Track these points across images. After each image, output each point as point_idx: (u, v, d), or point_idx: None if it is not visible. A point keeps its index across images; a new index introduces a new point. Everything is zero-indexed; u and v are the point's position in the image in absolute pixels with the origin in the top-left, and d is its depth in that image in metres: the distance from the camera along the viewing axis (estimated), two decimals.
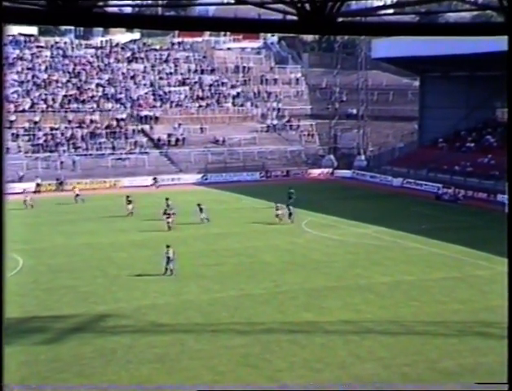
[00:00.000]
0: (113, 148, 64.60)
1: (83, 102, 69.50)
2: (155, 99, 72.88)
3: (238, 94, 76.49)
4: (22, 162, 59.77)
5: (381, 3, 64.42)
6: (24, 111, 66.35)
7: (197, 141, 68.55)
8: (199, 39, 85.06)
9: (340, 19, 7.28)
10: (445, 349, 21.79)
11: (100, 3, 6.24)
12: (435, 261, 33.29)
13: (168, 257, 30.06)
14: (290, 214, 42.17)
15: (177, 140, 67.98)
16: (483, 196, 51.57)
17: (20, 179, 57.36)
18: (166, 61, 79.35)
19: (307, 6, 6.96)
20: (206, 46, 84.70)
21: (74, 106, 68.75)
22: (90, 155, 63.64)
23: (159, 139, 67.73)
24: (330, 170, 67.02)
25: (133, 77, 75.10)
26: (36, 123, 65.36)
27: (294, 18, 6.83)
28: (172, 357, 20.98)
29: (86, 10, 6.18)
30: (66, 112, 67.71)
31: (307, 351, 21.54)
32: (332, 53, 76.01)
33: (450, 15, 67.33)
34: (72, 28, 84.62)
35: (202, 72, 78.98)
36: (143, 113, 70.30)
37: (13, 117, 64.68)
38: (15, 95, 68.04)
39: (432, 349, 21.72)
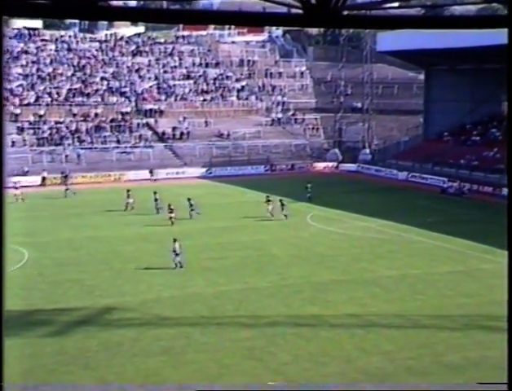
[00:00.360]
0: (118, 142, 64.64)
1: (88, 95, 69.51)
2: (159, 93, 72.84)
3: (243, 87, 76.40)
4: (27, 155, 59.89)
5: None
6: (28, 104, 66.40)
7: (202, 134, 68.53)
8: (203, 33, 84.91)
9: (345, 13, 7.24)
10: (450, 342, 21.79)
11: None
12: (440, 254, 33.26)
13: (175, 251, 30.08)
14: (283, 207, 40.83)
15: (181, 134, 67.99)
16: (488, 190, 51.44)
17: (26, 173, 57.52)
18: (171, 54, 79.26)
19: None
20: (211, 39, 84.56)
21: (79, 99, 68.77)
22: (95, 148, 63.69)
23: (163, 133, 67.74)
24: (335, 164, 66.94)
25: (137, 71, 75.05)
26: (41, 116, 65.40)
27: (299, 11, 6.80)
28: (178, 350, 21.04)
29: (91, 4, 6.17)
30: (71, 105, 67.74)
31: (312, 344, 21.56)
32: (337, 46, 75.82)
33: (456, 8, 67.01)
34: (77, 21, 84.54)
35: (207, 65, 78.89)
36: (148, 107, 70.29)
37: (18, 111, 64.78)
38: (20, 89, 68.10)
39: (437, 342, 21.72)
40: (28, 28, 76.53)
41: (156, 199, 43.76)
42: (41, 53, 74.10)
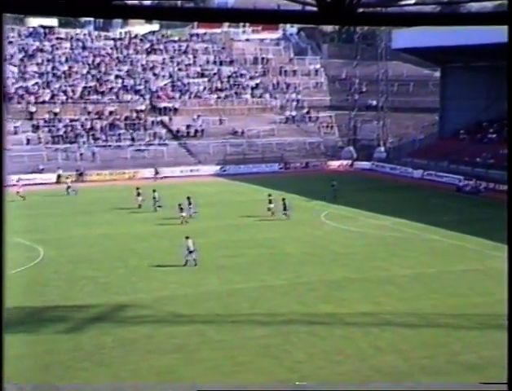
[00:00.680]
0: (132, 139, 64.86)
1: (102, 93, 69.79)
2: (174, 91, 72.97)
3: (257, 85, 76.34)
4: (42, 153, 60.28)
5: None
6: (44, 102, 66.78)
7: (216, 132, 68.57)
8: (218, 30, 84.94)
9: (360, 10, 7.18)
10: (466, 341, 21.64)
11: None
12: (456, 253, 33.05)
13: (188, 249, 30.11)
14: (285, 207, 40.15)
15: (196, 131, 68.08)
16: (504, 188, 50.94)
17: (41, 171, 57.88)
18: (185, 52, 79.36)
19: None
20: (225, 37, 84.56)
21: (94, 97, 69.06)
22: (110, 146, 63.94)
23: (178, 131, 67.87)
24: (349, 162, 66.71)
25: (152, 69, 75.23)
26: (56, 114, 65.76)
27: (314, 9, 6.75)
28: (192, 347, 21.06)
29: (106, 2, 6.15)
30: (86, 103, 68.04)
31: (327, 343, 21.51)
32: (351, 44, 75.53)
33: (472, 4, 66.45)
34: (92, 19, 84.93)
35: (221, 63, 78.91)
36: (162, 105, 70.44)
37: (33, 109, 65.21)
38: (36, 87, 68.51)
39: (453, 341, 21.59)
40: (44, 27, 77.01)
41: (154, 198, 43.65)
42: (57, 51, 74.49)
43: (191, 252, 30.07)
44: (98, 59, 74.55)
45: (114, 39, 79.53)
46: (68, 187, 50.84)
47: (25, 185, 50.64)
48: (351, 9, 6.98)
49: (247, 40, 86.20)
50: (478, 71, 63.31)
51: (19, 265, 30.40)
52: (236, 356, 20.33)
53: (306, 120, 73.38)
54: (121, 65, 74.77)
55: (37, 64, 71.68)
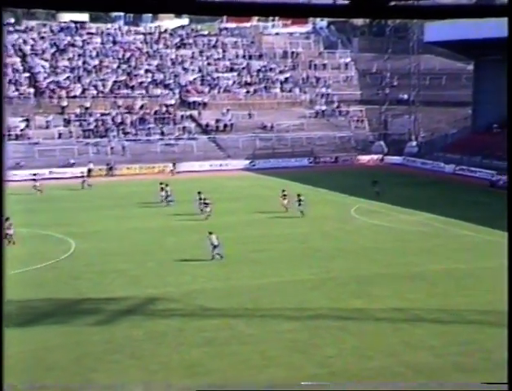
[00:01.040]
0: (162, 134, 65.14)
1: (132, 88, 70.19)
2: (203, 85, 73.08)
3: (286, 79, 76.06)
4: (73, 147, 60.87)
5: None
6: (75, 97, 67.39)
7: (245, 127, 68.51)
8: (247, 24, 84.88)
9: (392, 3, 7.00)
10: (500, 339, 21.22)
11: None
12: (488, 249, 32.51)
13: (212, 244, 30.08)
14: (299, 203, 39.27)
15: (225, 126, 68.11)
16: None
17: (72, 165, 58.47)
18: (214, 47, 79.41)
19: None
20: (254, 31, 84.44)
21: (124, 91, 69.51)
22: (140, 140, 64.31)
23: (207, 125, 67.97)
24: (380, 156, 66.12)
25: (181, 63, 75.44)
26: (87, 109, 66.32)
27: (345, 2, 6.60)
28: (221, 341, 21.06)
29: None
30: (116, 97, 68.51)
31: (357, 338, 21.33)
32: (383, 37, 74.72)
33: None
34: (122, 14, 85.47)
35: (250, 57, 78.78)
36: (192, 99, 70.61)
37: (65, 103, 65.86)
38: (67, 81, 69.17)
39: (486, 338, 21.21)
40: (75, 22, 77.68)
41: (166, 192, 43.65)
42: (88, 46, 75.11)
43: (215, 246, 30.03)
44: (128, 54, 74.99)
45: (144, 34, 79.92)
46: (84, 181, 51.16)
47: (56, 178, 51.28)
48: (383, 2, 6.82)
49: (277, 34, 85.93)
50: None
51: (51, 258, 30.76)
52: (265, 350, 20.26)
53: (336, 115, 72.91)
54: (150, 59, 75.12)
55: (69, 59, 72.36)
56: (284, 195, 41.12)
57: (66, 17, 78.42)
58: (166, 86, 71.65)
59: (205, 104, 70.45)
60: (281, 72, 77.25)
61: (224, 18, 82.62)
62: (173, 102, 69.39)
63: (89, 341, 21.06)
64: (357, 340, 21.12)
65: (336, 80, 78.26)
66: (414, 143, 67.43)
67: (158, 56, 75.90)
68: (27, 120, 63.21)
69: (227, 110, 69.65)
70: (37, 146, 60.34)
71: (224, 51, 78.67)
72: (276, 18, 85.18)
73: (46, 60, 71.46)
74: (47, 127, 63.41)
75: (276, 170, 59.26)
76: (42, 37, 74.98)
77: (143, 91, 70.12)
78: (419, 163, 62.65)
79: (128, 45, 76.73)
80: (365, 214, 40.66)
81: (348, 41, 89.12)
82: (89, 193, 49.89)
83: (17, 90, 66.59)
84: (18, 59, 70.79)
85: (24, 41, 73.56)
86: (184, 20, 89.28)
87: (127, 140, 63.55)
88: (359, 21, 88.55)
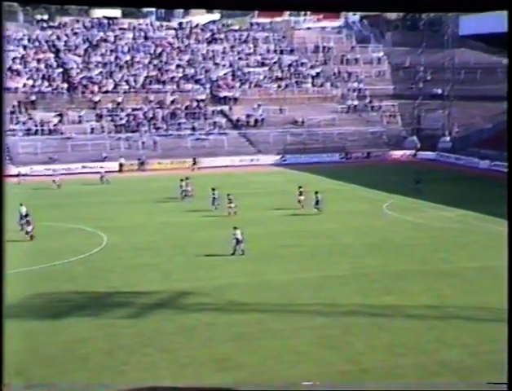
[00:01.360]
0: (193, 129, 65.28)
1: (164, 83, 70.48)
2: (234, 80, 73.04)
3: (318, 74, 75.59)
4: (105, 142, 61.35)
5: None
6: (107, 92, 67.94)
7: (276, 122, 68.29)
8: (278, 19, 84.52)
9: None
10: None
11: None
12: None
13: (237, 239, 29.92)
14: (317, 201, 38.78)
15: (256, 121, 67.97)
16: None
17: (104, 159, 58.95)
18: (246, 41, 79.29)
19: None
20: (286, 25, 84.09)
21: (155, 87, 69.84)
22: (171, 135, 64.56)
23: (238, 120, 67.91)
24: (413, 152, 65.37)
25: (212, 58, 75.49)
26: (118, 104, 66.80)
27: None
28: (251, 336, 20.93)
29: None
30: (147, 92, 68.88)
31: (389, 335, 21.00)
32: (416, 31, 73.81)
33: None
34: (154, 10, 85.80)
35: (281, 52, 78.49)
36: (223, 94, 70.61)
37: (97, 98, 66.42)
38: (99, 77, 69.73)
39: None
40: (108, 18, 78.26)
41: (181, 187, 43.57)
42: (120, 41, 75.63)
43: (238, 241, 29.88)
44: (159, 49, 75.31)
45: (175, 29, 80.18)
46: (102, 177, 51.42)
47: (87, 173, 51.79)
48: None
49: (308, 28, 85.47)
50: None
51: (83, 252, 31.00)
52: (295, 346, 20.08)
53: (368, 110, 72.27)
54: (182, 55, 75.33)
55: (101, 55, 72.94)
56: (301, 192, 40.66)
57: (99, 13, 79.05)
58: (197, 81, 71.77)
59: (235, 99, 70.40)
60: (313, 66, 76.81)
61: (255, 13, 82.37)
62: (204, 97, 69.48)
63: (120, 334, 21.13)
64: (389, 337, 20.80)
65: (368, 74, 77.56)
66: (448, 138, 66.47)
67: (189, 51, 76.07)
68: (60, 115, 63.90)
69: (258, 105, 69.50)
70: (70, 140, 60.94)
71: (255, 46, 78.50)
72: (308, 12, 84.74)
73: (79, 56, 72.13)
74: (80, 122, 64.04)
75: (307, 166, 58.94)
76: (75, 33, 75.71)
77: (175, 86, 70.36)
78: (453, 158, 61.75)
79: (159, 40, 77.06)
80: (398, 210, 40.16)
81: (381, 35, 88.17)
82: (118, 188, 50.20)
83: (50, 85, 67.35)
84: (52, 55, 71.59)
85: (58, 37, 74.35)
86: (215, 15, 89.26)
87: (158, 135, 63.84)
88: (392, 15, 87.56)
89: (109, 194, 47.36)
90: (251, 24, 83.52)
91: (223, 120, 67.30)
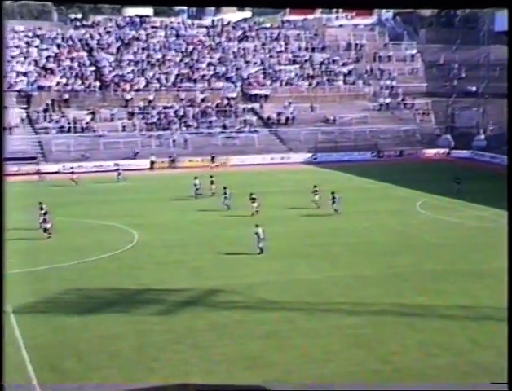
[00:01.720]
0: (224, 127, 65.31)
1: (195, 81, 70.66)
2: (265, 78, 72.88)
3: (350, 71, 75.03)
4: (137, 140, 61.74)
5: None
6: (138, 90, 68.34)
7: (307, 120, 67.96)
8: (310, 17, 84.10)
9: None
10: None
11: None
12: None
13: (258, 236, 29.65)
14: (333, 201, 37.68)
15: (287, 119, 67.74)
16: None
17: (135, 157, 59.34)
18: (277, 39, 79.08)
19: None
20: (317, 23, 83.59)
21: (186, 85, 70.04)
22: (201, 133, 64.67)
23: (269, 118, 67.76)
24: (447, 150, 64.48)
25: (243, 56, 75.44)
26: (150, 102, 67.16)
27: None
28: (282, 334, 20.81)
29: None
30: (178, 90, 69.11)
31: (422, 335, 20.70)
32: (451, 28, 72.73)
33: None
34: (185, 8, 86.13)
35: (313, 49, 78.09)
36: (253, 92, 70.51)
37: (129, 96, 66.88)
38: (131, 75, 70.20)
39: None
40: (140, 16, 78.76)
41: (195, 185, 43.44)
42: (151, 39, 76.02)
43: (260, 239, 29.62)
44: (190, 47, 75.51)
45: (207, 27, 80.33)
46: (119, 174, 51.54)
47: (119, 170, 52.10)
48: None
49: (340, 26, 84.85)
50: None
51: (115, 248, 31.20)
52: (326, 345, 19.90)
53: (400, 108, 71.51)
54: (213, 53, 75.42)
55: (133, 53, 73.42)
56: (316, 191, 40.09)
57: (131, 11, 79.62)
58: (228, 79, 71.80)
59: (266, 97, 70.26)
60: (344, 64, 76.26)
61: (287, 10, 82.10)
62: (234, 95, 69.47)
63: (151, 331, 21.19)
64: (422, 337, 20.50)
65: (401, 72, 76.71)
66: (483, 137, 65.41)
67: (220, 49, 76.13)
68: (92, 113, 64.50)
69: (289, 103, 69.24)
70: (102, 138, 61.46)
71: (286, 44, 78.24)
72: (340, 10, 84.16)
73: (112, 54, 72.72)
74: (112, 120, 64.55)
75: (339, 164, 58.53)
76: (108, 32, 76.34)
77: (206, 84, 70.48)
78: (487, 157, 60.76)
79: (191, 38, 77.27)
80: (431, 209, 39.62)
81: (415, 32, 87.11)
82: (153, 185, 50.45)
83: (83, 83, 68.02)
84: (85, 54, 72.30)
85: (91, 36, 75.06)
86: (247, 13, 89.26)
87: (189, 133, 64.02)
88: (426, 12, 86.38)
89: (141, 191, 47.65)
90: (282, 22, 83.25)
91: (254, 118, 67.21)
